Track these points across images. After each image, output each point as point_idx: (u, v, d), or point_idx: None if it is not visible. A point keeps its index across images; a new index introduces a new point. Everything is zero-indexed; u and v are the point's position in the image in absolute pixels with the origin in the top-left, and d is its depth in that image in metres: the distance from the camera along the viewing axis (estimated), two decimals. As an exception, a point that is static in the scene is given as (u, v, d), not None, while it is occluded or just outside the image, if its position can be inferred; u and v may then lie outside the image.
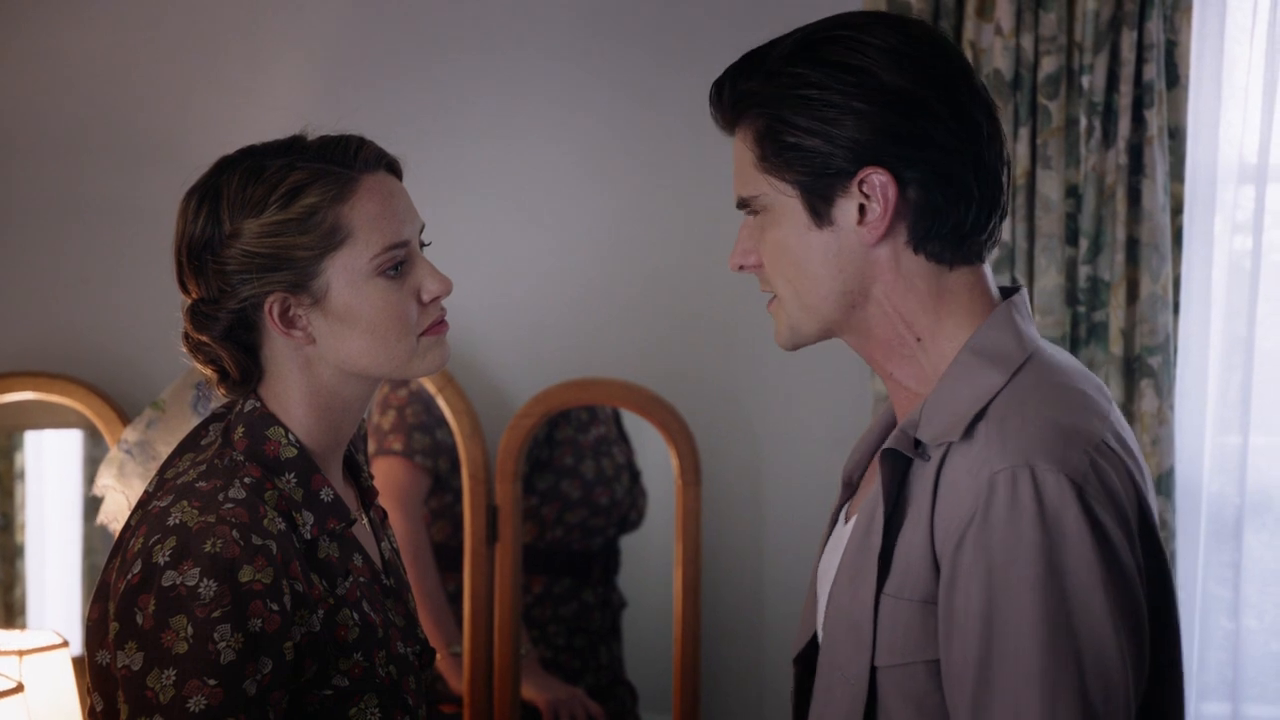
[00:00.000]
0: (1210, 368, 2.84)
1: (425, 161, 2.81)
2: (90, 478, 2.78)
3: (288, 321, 1.62)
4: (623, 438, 3.04)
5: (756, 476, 3.00)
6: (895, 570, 1.47)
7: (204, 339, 1.65)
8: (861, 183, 1.47)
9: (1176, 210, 2.79)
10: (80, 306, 3.00)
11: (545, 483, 2.97)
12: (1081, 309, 2.80)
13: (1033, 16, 2.76)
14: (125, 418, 2.83)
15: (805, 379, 2.95)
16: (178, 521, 1.53)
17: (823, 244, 1.50)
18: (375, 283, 1.62)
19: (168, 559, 1.50)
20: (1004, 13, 2.74)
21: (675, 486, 2.86)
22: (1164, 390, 2.75)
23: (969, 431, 1.45)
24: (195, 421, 2.60)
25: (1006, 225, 2.77)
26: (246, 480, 1.58)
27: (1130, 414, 2.78)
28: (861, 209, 1.48)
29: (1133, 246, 2.77)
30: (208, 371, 1.68)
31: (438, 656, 2.88)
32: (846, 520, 1.61)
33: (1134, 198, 2.76)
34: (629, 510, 3.03)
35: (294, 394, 1.65)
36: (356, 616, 1.61)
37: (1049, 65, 2.75)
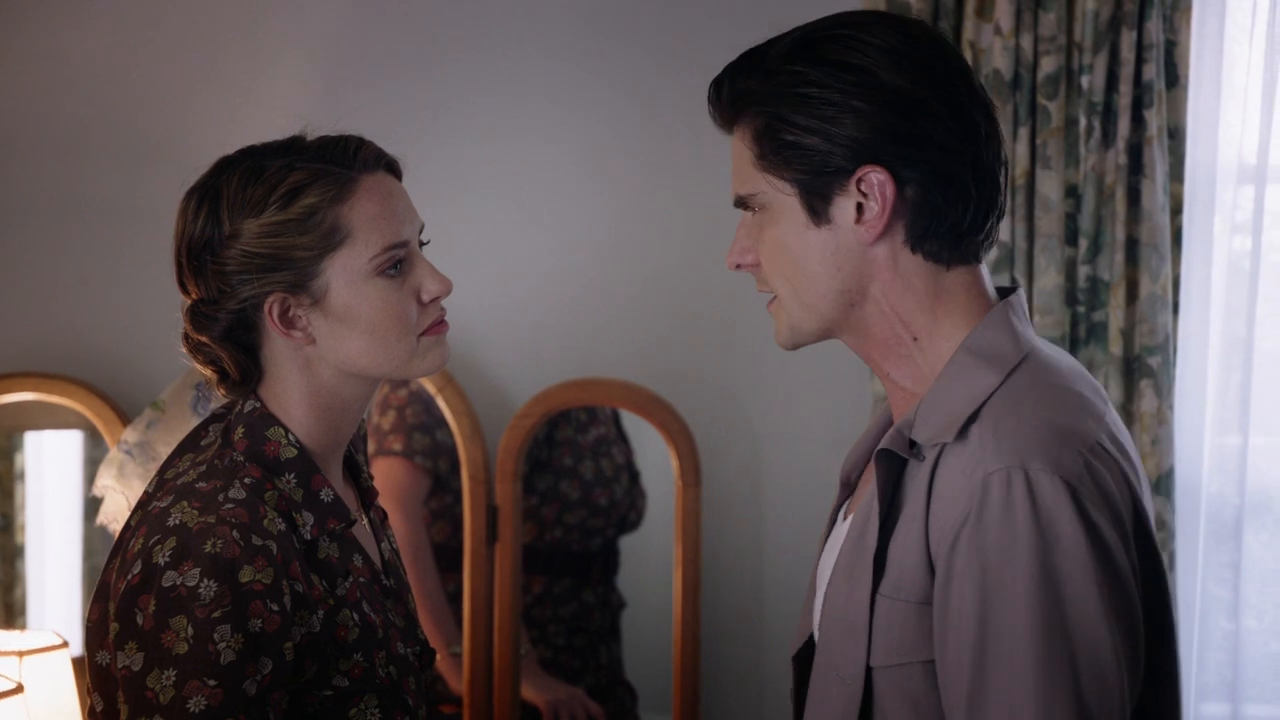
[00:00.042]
0: (1210, 368, 2.84)
1: (425, 161, 2.81)
2: (90, 478, 2.78)
3: (287, 322, 1.63)
4: (622, 438, 3.04)
5: (756, 477, 3.00)
6: (890, 571, 1.47)
7: (204, 339, 1.65)
8: (860, 181, 1.47)
9: (1176, 210, 2.79)
10: (80, 307, 3.00)
11: (545, 483, 2.97)
12: (1081, 309, 2.80)
13: (1032, 16, 2.76)
14: (125, 418, 2.83)
15: (805, 379, 2.95)
16: (178, 522, 1.53)
17: (821, 242, 1.50)
18: (375, 283, 1.62)
19: (168, 559, 1.51)
20: (1003, 13, 2.74)
21: (675, 487, 2.86)
22: (1163, 390, 2.75)
23: (963, 432, 1.45)
24: (195, 422, 2.60)
25: (1006, 225, 2.77)
26: (246, 481, 1.58)
27: (1130, 414, 2.78)
28: (860, 208, 1.48)
29: (1132, 247, 2.77)
30: (207, 372, 1.68)
31: (438, 657, 2.88)
32: (845, 520, 1.61)
33: (1133, 198, 2.76)
34: (628, 511, 3.03)
35: (294, 394, 1.65)
36: (356, 617, 1.61)
37: (1048, 65, 2.75)
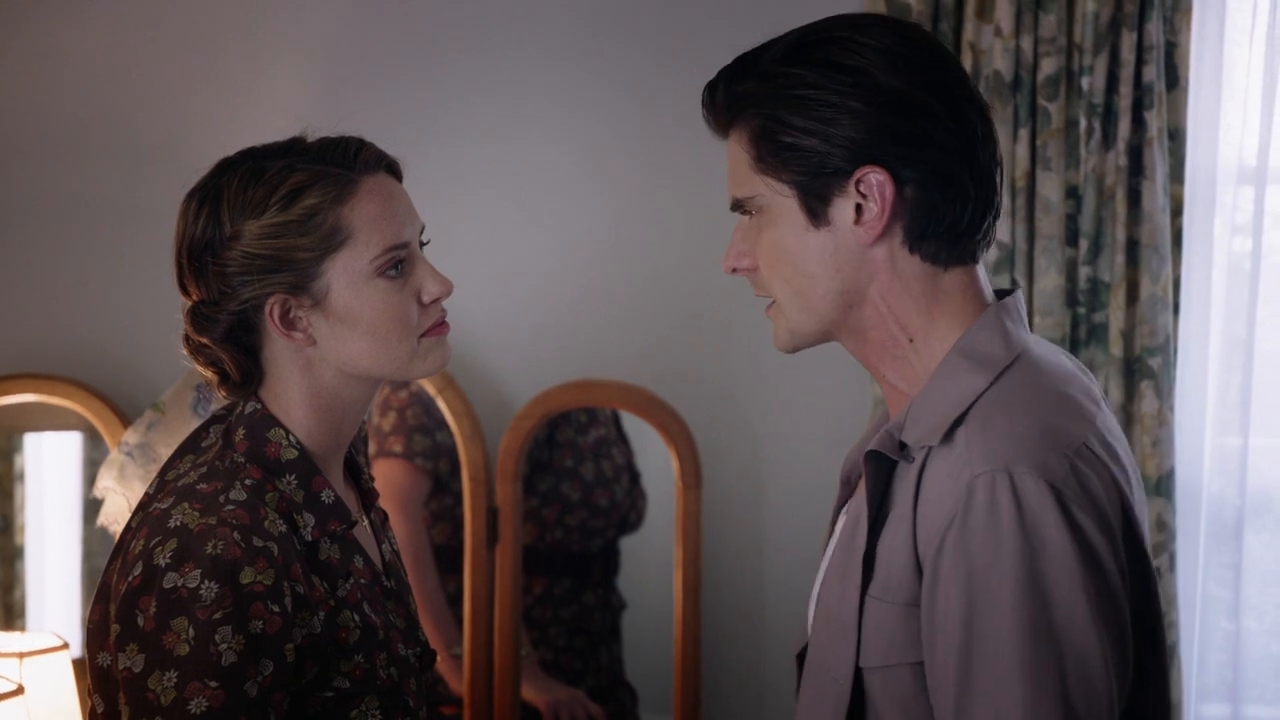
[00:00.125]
0: (1210, 369, 2.84)
1: (425, 161, 2.81)
2: (90, 480, 2.78)
3: (288, 323, 1.62)
4: (623, 439, 3.04)
5: (757, 478, 3.00)
6: (879, 572, 1.47)
7: (204, 341, 1.65)
8: (859, 182, 1.47)
9: (1176, 212, 2.79)
10: (80, 308, 3.00)
11: (545, 484, 2.97)
12: (1081, 310, 2.80)
13: (1032, 18, 2.76)
14: (125, 420, 2.83)
15: (805, 381, 2.95)
16: (179, 523, 1.53)
17: (820, 244, 1.50)
18: (376, 284, 1.62)
19: (169, 561, 1.50)
20: (1004, 14, 2.74)
21: (675, 488, 2.86)
22: (1164, 391, 2.75)
23: (950, 434, 1.45)
24: (195, 423, 2.60)
25: (1006, 226, 2.77)
26: (247, 482, 1.58)
27: (1130, 415, 2.78)
28: (858, 208, 1.48)
29: (1132, 248, 2.77)
30: (208, 373, 1.68)
31: (438, 658, 2.88)
32: (844, 519, 1.61)
33: (1134, 199, 2.76)
34: (629, 512, 3.03)
35: (295, 395, 1.65)
36: (357, 618, 1.61)
37: (1049, 67, 2.75)
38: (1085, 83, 2.75)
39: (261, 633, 1.50)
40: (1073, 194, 2.79)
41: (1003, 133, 2.73)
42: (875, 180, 1.47)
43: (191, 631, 1.48)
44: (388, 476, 2.90)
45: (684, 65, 2.90)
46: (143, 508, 1.63)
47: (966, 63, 2.77)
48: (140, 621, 1.50)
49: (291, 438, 1.63)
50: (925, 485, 1.45)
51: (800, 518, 2.95)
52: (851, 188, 1.48)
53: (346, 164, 1.63)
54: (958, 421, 1.45)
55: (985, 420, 1.44)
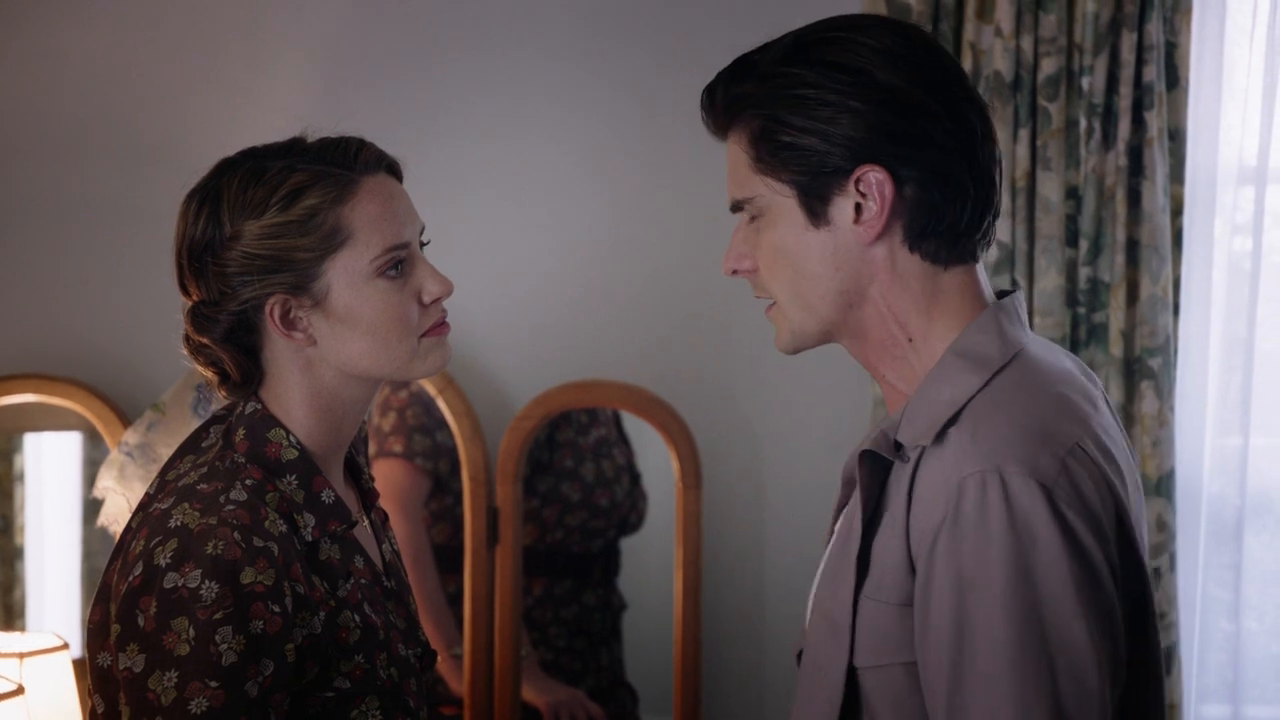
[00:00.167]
0: (1210, 369, 2.84)
1: (425, 161, 2.81)
2: (90, 480, 2.78)
3: (288, 323, 1.62)
4: (623, 440, 3.04)
5: (757, 478, 3.00)
6: (873, 572, 1.48)
7: (205, 341, 1.65)
8: (858, 181, 1.48)
9: (1176, 212, 2.79)
10: (80, 308, 3.00)
11: (546, 485, 2.97)
12: (1081, 310, 2.80)
13: (1033, 18, 2.76)
14: (125, 420, 2.83)
15: (806, 381, 2.95)
16: (179, 523, 1.53)
17: (820, 243, 1.50)
18: (376, 284, 1.62)
19: (169, 561, 1.50)
20: (1004, 14, 2.74)
21: (676, 489, 2.86)
22: (1164, 392, 2.75)
23: (943, 434, 1.45)
24: (196, 423, 2.60)
25: (1006, 227, 2.77)
26: (248, 482, 1.58)
27: (1130, 416, 2.78)
28: (858, 208, 1.48)
29: (1133, 248, 2.77)
30: (208, 374, 1.68)
31: (439, 658, 2.88)
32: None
33: (1134, 199, 2.76)
34: (629, 512, 3.03)
35: (295, 396, 1.65)
36: (358, 618, 1.61)
37: (1049, 67, 2.75)
38: (1085, 83, 2.75)
39: (262, 633, 1.50)
40: (1073, 194, 2.79)
41: (1003, 133, 2.73)
42: (874, 179, 1.47)
43: (192, 631, 1.48)
44: (388, 476, 2.90)
45: (684, 65, 2.90)
46: (143, 508, 1.62)
47: (966, 63, 2.77)
48: (141, 621, 1.50)
49: (292, 438, 1.63)
50: (918, 485, 1.45)
51: (801, 518, 2.95)
52: (851, 187, 1.48)
53: (347, 164, 1.63)
54: (951, 421, 1.45)
55: (978, 420, 1.44)
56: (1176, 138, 2.78)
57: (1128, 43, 2.73)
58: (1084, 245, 2.77)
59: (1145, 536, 1.57)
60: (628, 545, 3.04)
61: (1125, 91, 2.73)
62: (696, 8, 2.96)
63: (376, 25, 2.99)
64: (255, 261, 1.60)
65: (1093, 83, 2.74)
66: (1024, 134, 2.76)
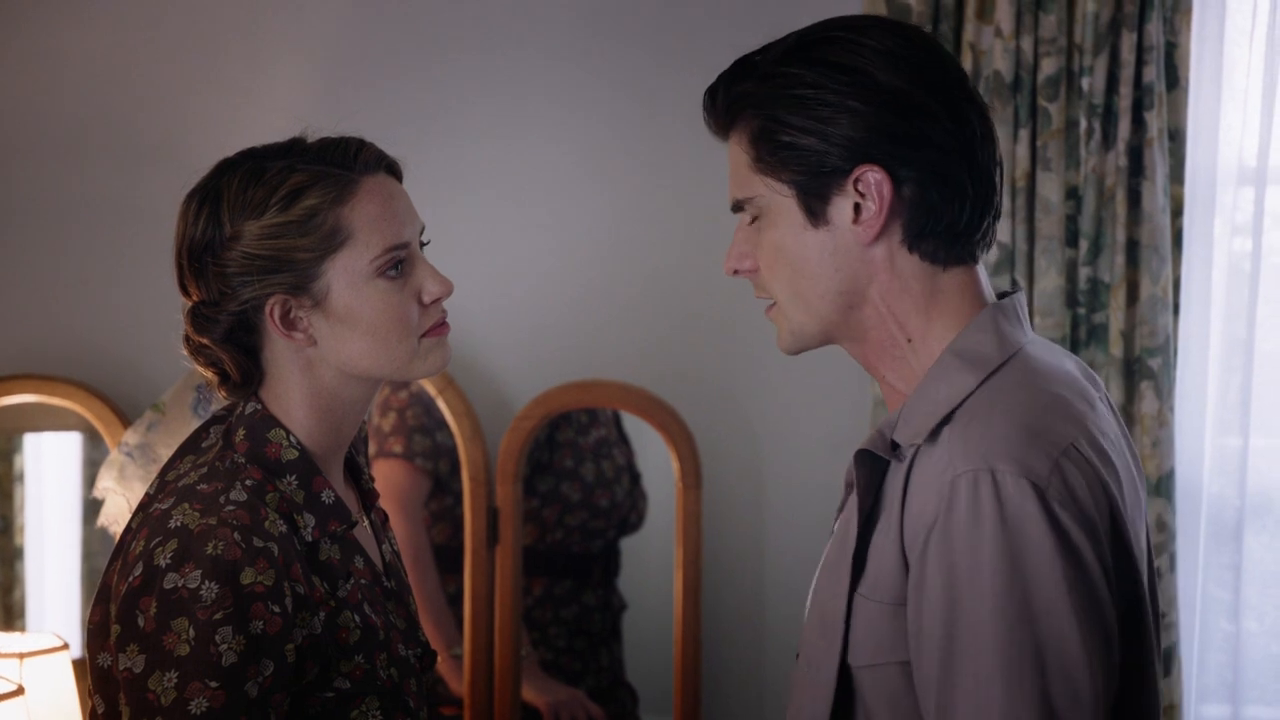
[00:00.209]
0: (1210, 369, 2.84)
1: (425, 161, 2.81)
2: (90, 480, 2.78)
3: (288, 323, 1.62)
4: (623, 440, 3.04)
5: (757, 478, 3.00)
6: (869, 571, 1.48)
7: (205, 341, 1.65)
8: (857, 181, 1.48)
9: (1176, 212, 2.79)
10: (80, 308, 3.00)
11: (546, 485, 2.97)
12: (1081, 311, 2.80)
13: (1033, 18, 2.76)
14: (125, 420, 2.83)
15: (806, 381, 2.95)
16: (179, 524, 1.53)
17: (819, 244, 1.50)
18: (376, 284, 1.62)
19: (169, 561, 1.50)
20: (1004, 15, 2.74)
21: (676, 489, 2.86)
22: (1164, 392, 2.75)
23: (936, 434, 1.45)
24: (196, 424, 2.60)
25: (1006, 227, 2.77)
26: (248, 482, 1.58)
27: (1130, 416, 2.78)
28: (857, 208, 1.49)
29: (1133, 248, 2.77)
30: (208, 374, 1.68)
31: (439, 659, 2.88)
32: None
33: (1134, 200, 2.76)
34: (629, 512, 3.03)
35: (295, 396, 1.65)
36: (358, 619, 1.61)
37: (1049, 67, 2.75)
38: (1085, 83, 2.75)
39: (262, 633, 1.50)
40: (1073, 194, 2.79)
41: (1003, 133, 2.73)
42: (873, 179, 1.47)
43: (192, 632, 1.48)
44: (388, 477, 2.90)
45: (684, 65, 2.91)
46: (143, 508, 1.63)
47: (967, 63, 2.77)
48: (141, 622, 1.50)
49: (292, 438, 1.63)
50: (913, 484, 1.45)
51: (801, 518, 2.95)
52: (850, 187, 1.48)
53: (346, 164, 1.63)
54: (946, 420, 1.46)
55: (971, 419, 1.44)
56: (1176, 138, 2.78)
57: (1128, 43, 2.73)
58: (1084, 245, 2.77)
59: (1146, 537, 1.57)
60: (628, 545, 3.04)
61: (1125, 92, 2.73)
62: (696, 8, 2.96)
63: (376, 25, 2.99)
64: (255, 262, 1.60)
65: (1093, 83, 2.74)
66: (1024, 134, 2.76)
